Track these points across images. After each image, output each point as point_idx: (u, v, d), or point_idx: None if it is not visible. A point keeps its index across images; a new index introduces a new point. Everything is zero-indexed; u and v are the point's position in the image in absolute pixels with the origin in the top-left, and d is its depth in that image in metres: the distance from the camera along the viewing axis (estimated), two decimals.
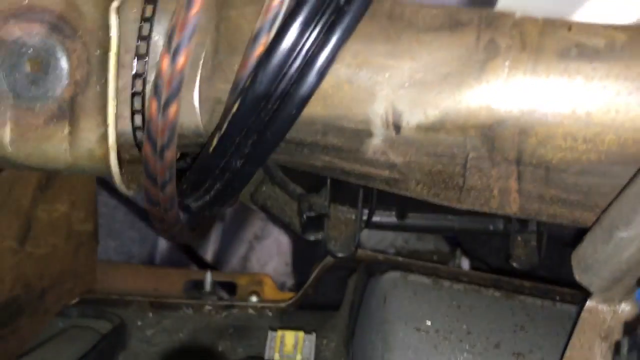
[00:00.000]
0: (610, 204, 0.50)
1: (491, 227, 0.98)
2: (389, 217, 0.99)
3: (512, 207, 0.57)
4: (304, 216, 0.94)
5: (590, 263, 0.53)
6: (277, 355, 0.94)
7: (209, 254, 2.45)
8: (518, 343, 0.79)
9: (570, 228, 0.98)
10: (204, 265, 2.21)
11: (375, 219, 0.99)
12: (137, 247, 2.21)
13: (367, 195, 0.95)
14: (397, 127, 0.52)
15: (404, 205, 0.97)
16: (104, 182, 1.75)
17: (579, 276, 0.55)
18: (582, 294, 1.00)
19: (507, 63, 0.48)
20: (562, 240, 0.99)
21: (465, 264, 1.34)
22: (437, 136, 0.51)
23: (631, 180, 0.47)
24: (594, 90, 0.46)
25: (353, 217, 0.97)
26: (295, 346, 0.95)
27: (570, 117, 0.47)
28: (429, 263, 1.08)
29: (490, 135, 0.50)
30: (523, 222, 0.96)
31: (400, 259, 1.11)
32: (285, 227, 1.02)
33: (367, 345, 0.86)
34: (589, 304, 0.67)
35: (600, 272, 0.53)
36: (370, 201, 0.95)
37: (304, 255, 2.28)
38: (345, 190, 0.95)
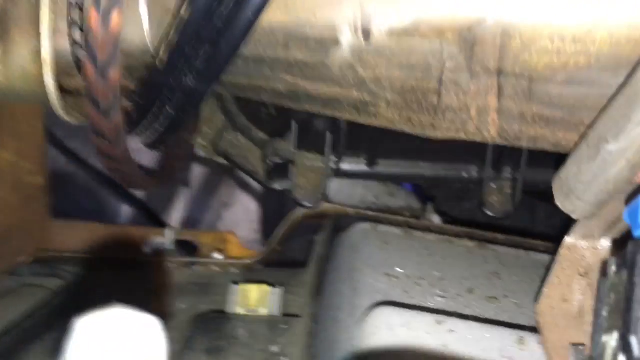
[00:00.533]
0: (597, 117, 0.46)
1: (464, 174, 0.94)
2: (359, 165, 0.94)
3: (491, 131, 0.53)
4: (269, 162, 0.88)
5: (574, 185, 0.49)
6: (240, 309, 0.89)
7: (175, 223, 2.38)
8: (492, 288, 0.76)
9: (546, 177, 0.96)
10: (163, 224, 2.14)
11: (344, 166, 0.94)
12: (96, 215, 2.13)
13: (336, 140, 0.90)
14: (367, 33, 0.46)
15: (374, 151, 0.92)
16: (55, 143, 1.66)
17: (560, 202, 0.51)
18: (556, 245, 0.98)
19: None
20: (537, 190, 0.96)
21: (436, 220, 1.30)
22: (411, 42, 0.46)
23: (622, 85, 0.43)
24: None
25: (320, 164, 0.92)
26: (260, 300, 0.90)
27: (559, 12, 0.42)
28: (401, 217, 1.04)
29: (470, 39, 0.45)
30: (497, 169, 0.92)
31: (370, 213, 1.06)
32: (250, 175, 0.96)
33: (335, 295, 0.82)
34: (568, 240, 0.64)
35: (584, 194, 0.48)
36: (338, 147, 0.90)
37: (272, 221, 2.23)
38: (312, 135, 0.90)
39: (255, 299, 0.90)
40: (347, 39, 0.47)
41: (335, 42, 0.48)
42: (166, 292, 1.03)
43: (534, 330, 0.64)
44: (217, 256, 1.12)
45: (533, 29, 0.43)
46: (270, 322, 0.85)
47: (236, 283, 0.93)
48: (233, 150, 0.97)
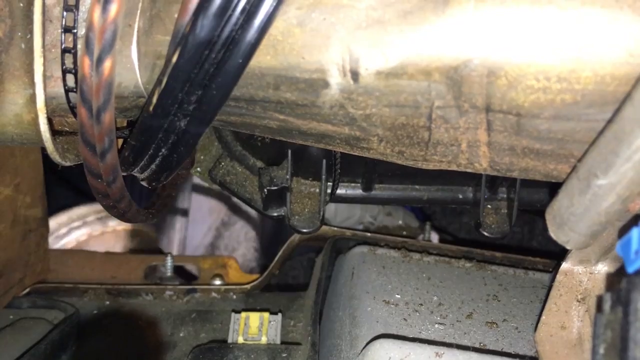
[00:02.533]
0: (586, 151, 0.46)
1: (460, 196, 0.94)
2: (355, 189, 0.95)
3: (482, 163, 0.53)
4: (265, 190, 0.88)
5: (567, 217, 0.49)
6: (240, 338, 0.89)
7: (174, 245, 2.39)
8: (491, 312, 0.76)
9: (542, 196, 0.96)
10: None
11: (340, 191, 0.94)
12: None
13: (331, 166, 0.90)
14: (355, 74, 0.47)
15: (369, 176, 0.93)
16: (51, 168, 1.67)
17: (554, 233, 0.51)
18: (554, 263, 0.98)
19: None
20: (533, 209, 0.96)
21: (434, 238, 1.31)
22: (399, 82, 0.46)
23: (609, 121, 0.43)
24: (569, 20, 0.42)
25: (316, 190, 0.92)
26: (260, 327, 0.91)
27: (543, 52, 0.43)
28: (398, 237, 1.04)
29: (457, 79, 0.45)
30: (493, 190, 0.92)
31: (368, 234, 1.06)
32: (247, 203, 0.96)
33: (335, 322, 0.82)
34: (564, 266, 0.64)
35: (577, 226, 0.49)
36: (334, 173, 0.91)
37: (272, 240, 2.24)
38: (307, 162, 0.90)
39: (255, 327, 0.91)
40: (336, 80, 0.48)
41: (325, 83, 0.48)
42: (166, 321, 1.03)
43: (534, 359, 0.64)
44: (217, 282, 1.13)
45: (518, 68, 0.44)
46: (270, 350, 0.85)
47: (237, 311, 0.93)
48: (229, 178, 0.97)
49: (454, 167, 0.55)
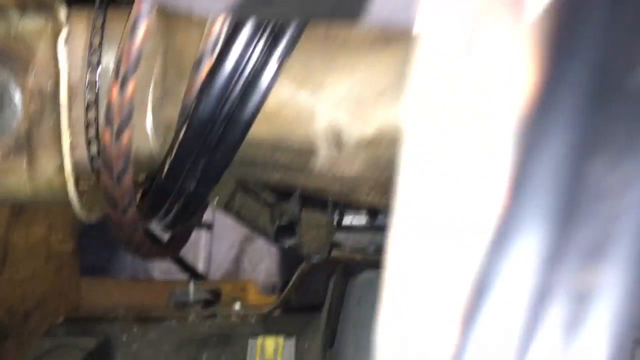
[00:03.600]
0: None
1: None
2: (359, 219, 1.01)
3: None
4: (277, 223, 0.95)
5: None
6: None
7: (200, 260, 2.47)
8: None
9: None
10: (195, 272, 2.23)
11: (347, 221, 1.00)
12: (129, 257, 2.23)
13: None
14: (339, 144, 0.53)
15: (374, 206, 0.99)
16: None
17: None
18: None
19: None
20: None
21: None
22: (377, 150, 0.53)
23: None
24: None
25: (324, 221, 0.99)
26: (275, 352, 0.97)
27: None
28: None
29: None
30: None
31: (377, 259, 1.12)
32: (261, 234, 1.03)
33: (344, 347, 0.88)
34: None
35: None
36: (340, 204, 0.97)
37: (292, 255, 2.30)
38: (315, 195, 0.97)
39: (271, 352, 0.97)
40: (323, 149, 0.54)
41: (314, 151, 0.55)
42: (190, 346, 1.10)
43: None
44: (237, 306, 1.20)
45: None
46: None
47: (254, 336, 1.00)
48: (244, 210, 1.04)
49: None
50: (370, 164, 0.54)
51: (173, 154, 0.56)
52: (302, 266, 1.20)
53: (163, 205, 0.63)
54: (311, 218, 1.00)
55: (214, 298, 1.30)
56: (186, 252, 2.19)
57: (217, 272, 2.40)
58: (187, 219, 0.66)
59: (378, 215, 1.00)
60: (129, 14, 0.62)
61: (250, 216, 1.04)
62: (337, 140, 0.53)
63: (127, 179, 0.59)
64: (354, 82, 0.52)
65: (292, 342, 0.99)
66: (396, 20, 0.43)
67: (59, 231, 1.06)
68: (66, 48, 0.59)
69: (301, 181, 0.60)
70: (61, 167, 0.60)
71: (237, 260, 2.50)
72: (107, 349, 1.07)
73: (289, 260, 2.36)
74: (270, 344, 0.97)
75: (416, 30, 0.43)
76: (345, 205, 0.98)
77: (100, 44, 0.60)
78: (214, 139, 0.54)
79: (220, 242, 2.51)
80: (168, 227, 0.69)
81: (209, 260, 2.46)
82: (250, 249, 2.54)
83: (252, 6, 0.43)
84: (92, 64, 0.60)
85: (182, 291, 1.29)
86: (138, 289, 1.29)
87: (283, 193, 1.01)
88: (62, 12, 0.58)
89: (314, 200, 0.98)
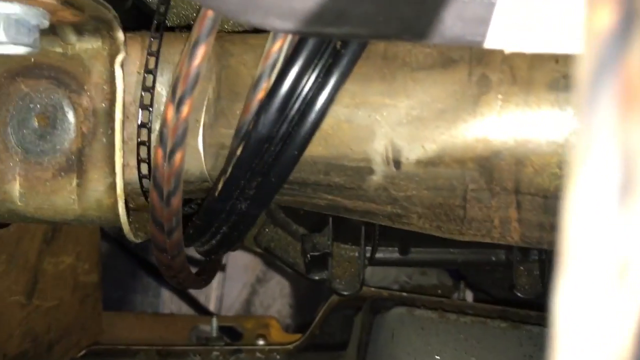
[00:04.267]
0: None
1: (493, 258, 0.99)
2: (392, 253, 1.00)
3: (514, 237, 0.58)
4: (308, 256, 0.94)
5: None
6: None
7: (211, 300, 2.44)
8: None
9: None
10: (206, 312, 2.20)
11: (379, 255, 1.00)
12: (139, 296, 2.21)
13: (369, 232, 0.96)
14: (397, 163, 0.53)
15: (406, 240, 0.98)
16: (103, 233, 1.77)
17: None
18: None
19: (499, 96, 0.50)
20: None
21: (469, 296, 1.34)
22: (436, 170, 0.53)
23: None
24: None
25: (356, 254, 0.98)
26: None
27: (564, 145, 0.49)
28: (434, 297, 1.09)
29: (488, 167, 0.51)
30: (525, 252, 0.97)
31: (404, 294, 1.11)
32: (290, 267, 1.02)
33: None
34: None
35: None
36: (372, 238, 0.96)
37: (307, 296, 2.27)
38: (348, 228, 0.96)
39: None
40: (380, 168, 0.54)
41: (370, 170, 0.55)
42: None
43: None
44: (261, 342, 1.18)
45: (543, 158, 0.50)
46: None
47: None
48: (274, 243, 1.04)
49: (487, 240, 0.61)
50: (428, 184, 0.54)
51: (228, 172, 0.56)
52: (327, 303, 1.18)
53: (211, 227, 0.62)
54: (343, 251, 0.99)
55: (235, 335, 1.28)
56: (198, 291, 2.17)
57: (228, 313, 2.37)
58: (233, 243, 0.65)
59: (410, 250, 0.99)
60: (185, 37, 0.63)
61: (280, 249, 1.03)
62: (395, 159, 0.53)
63: (176, 200, 0.59)
64: (414, 103, 0.52)
65: None
66: (466, 39, 0.43)
67: (86, 261, 1.05)
68: (122, 69, 0.59)
69: (353, 204, 0.60)
70: (111, 187, 0.60)
71: (248, 302, 2.47)
72: None
73: (304, 302, 2.33)
74: None
75: (487, 47, 0.43)
76: (379, 240, 0.97)
77: (156, 66, 0.60)
78: (270, 158, 0.54)
79: (232, 283, 2.49)
80: (210, 251, 0.69)
81: (220, 301, 2.43)
82: (262, 290, 2.52)
83: (324, 25, 0.44)
84: (146, 86, 0.61)
85: (203, 327, 1.28)
86: (158, 323, 1.28)
87: (314, 226, 1.00)
88: (120, 35, 0.59)
89: (347, 233, 0.97)
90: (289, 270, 2.41)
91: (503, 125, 0.50)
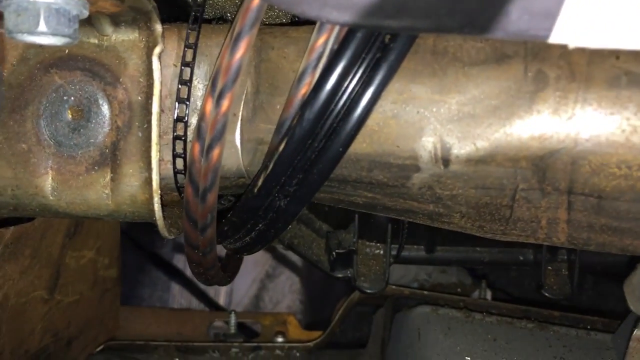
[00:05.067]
0: None
1: (521, 258, 0.97)
2: (418, 251, 0.99)
3: (560, 238, 0.57)
4: (333, 253, 0.93)
5: None
6: None
7: (221, 295, 2.43)
8: None
9: (601, 258, 0.98)
10: (216, 307, 2.20)
11: (404, 253, 0.98)
12: (148, 290, 2.20)
13: (396, 229, 0.94)
14: (446, 161, 0.52)
15: (432, 238, 0.96)
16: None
17: (633, 305, 0.54)
18: (614, 322, 0.99)
19: (557, 93, 0.48)
20: (593, 271, 0.99)
21: (487, 294, 1.33)
22: (487, 168, 0.51)
23: None
24: None
25: (382, 252, 0.97)
26: None
27: (624, 145, 0.47)
28: (456, 296, 1.07)
29: (542, 166, 0.50)
30: (553, 251, 0.95)
31: (426, 292, 1.10)
32: (314, 265, 1.01)
33: None
34: (637, 333, 0.66)
35: None
36: (400, 236, 0.95)
37: (317, 292, 2.26)
38: (373, 225, 0.95)
39: None
40: (427, 166, 0.52)
41: (416, 168, 0.53)
42: None
43: None
44: (280, 339, 1.16)
45: (601, 158, 0.48)
46: None
47: None
48: (297, 240, 1.02)
49: (531, 241, 0.59)
50: (476, 182, 0.52)
51: (269, 168, 0.54)
52: (347, 300, 1.17)
53: (247, 224, 0.61)
54: (368, 249, 0.97)
55: (252, 331, 1.27)
56: (207, 289, 2.16)
57: (237, 308, 2.36)
58: (268, 241, 0.63)
59: (437, 248, 0.98)
60: (222, 29, 0.61)
61: (304, 246, 1.02)
62: (444, 157, 0.51)
63: (212, 196, 0.57)
64: (466, 99, 0.50)
65: None
66: (530, 33, 0.42)
67: (106, 256, 1.04)
68: (159, 62, 0.58)
69: (393, 202, 0.58)
70: (147, 182, 0.59)
71: (257, 298, 2.47)
72: None
73: (314, 298, 2.32)
74: None
75: (551, 42, 0.42)
76: (406, 237, 0.96)
77: (193, 59, 0.59)
78: (313, 154, 0.53)
79: (242, 278, 2.48)
80: (243, 249, 0.67)
81: (230, 296, 2.42)
82: (271, 286, 2.51)
83: (383, 17, 0.42)
84: (183, 79, 0.59)
85: (220, 323, 1.26)
86: (175, 319, 1.26)
87: (339, 223, 0.99)
88: (159, 27, 0.57)
89: (373, 231, 0.96)
90: (299, 266, 2.40)
91: (560, 123, 0.48)
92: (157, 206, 0.58)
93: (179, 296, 2.32)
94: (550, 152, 0.49)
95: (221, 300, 2.44)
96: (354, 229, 0.93)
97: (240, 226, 0.61)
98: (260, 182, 0.56)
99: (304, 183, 0.55)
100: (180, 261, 2.13)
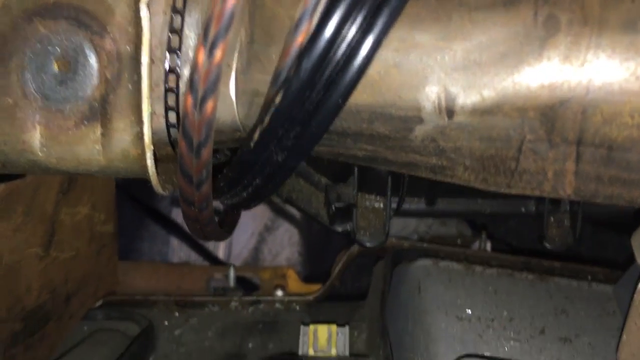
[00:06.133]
0: None
1: (523, 209, 0.96)
2: (418, 204, 0.97)
3: (567, 190, 0.55)
4: (332, 207, 0.91)
5: None
6: (311, 350, 0.92)
7: (220, 249, 2.44)
8: (562, 327, 0.77)
9: (604, 209, 0.97)
10: (215, 261, 2.20)
11: (404, 206, 0.97)
12: (146, 245, 2.20)
13: (396, 182, 0.93)
14: (450, 112, 0.49)
15: (433, 191, 0.95)
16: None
17: None
18: (614, 273, 0.99)
19: (569, 39, 0.45)
20: (596, 221, 0.98)
21: (487, 245, 1.32)
22: (493, 119, 0.49)
23: None
24: None
25: (381, 205, 0.95)
26: (329, 340, 0.94)
27: (638, 93, 0.45)
28: (456, 248, 1.06)
29: (551, 116, 0.47)
30: (555, 203, 0.94)
31: (426, 245, 1.09)
32: (313, 218, 0.99)
33: (405, 336, 0.84)
34: None
35: None
36: (400, 189, 0.93)
37: (316, 244, 2.27)
38: (373, 178, 0.93)
39: (324, 340, 0.94)
40: (431, 117, 0.50)
41: (419, 119, 0.51)
42: (234, 332, 1.06)
43: None
44: (279, 293, 1.16)
45: (614, 106, 0.46)
46: None
47: (305, 324, 0.97)
48: (295, 194, 1.01)
49: (537, 194, 0.57)
50: (481, 134, 0.50)
51: (266, 121, 0.52)
52: (347, 253, 1.16)
53: (243, 179, 0.59)
54: (368, 202, 0.96)
55: (251, 285, 1.27)
56: (206, 241, 2.16)
57: (236, 261, 2.37)
58: (265, 196, 0.62)
59: (437, 200, 0.96)
60: None
61: (302, 200, 1.00)
62: (448, 107, 0.49)
63: (207, 151, 0.55)
64: (472, 46, 0.48)
65: (345, 330, 0.95)
66: None
67: (102, 212, 1.03)
68: (148, 9, 0.55)
69: (394, 155, 0.56)
70: (139, 137, 0.57)
71: (257, 250, 2.47)
72: (151, 334, 1.03)
73: (312, 250, 2.33)
74: (323, 331, 0.94)
75: None
76: (406, 190, 0.94)
77: (184, 6, 0.56)
78: (311, 106, 0.50)
79: (241, 231, 2.48)
80: (240, 204, 0.65)
81: (229, 249, 2.43)
82: (270, 238, 2.51)
83: None
84: (174, 27, 0.56)
85: (221, 277, 1.26)
86: (174, 273, 1.26)
87: (337, 176, 0.97)
88: None
89: (372, 183, 0.94)
90: (298, 218, 2.40)
91: (572, 70, 0.46)
92: (149, 162, 0.56)
93: (178, 249, 2.32)
94: (560, 101, 0.47)
95: (220, 253, 2.45)
96: (354, 182, 0.92)
97: (237, 181, 0.59)
98: (256, 136, 0.54)
99: (302, 136, 0.53)
100: (178, 215, 2.12)
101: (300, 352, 0.93)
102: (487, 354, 0.67)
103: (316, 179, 0.99)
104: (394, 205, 0.95)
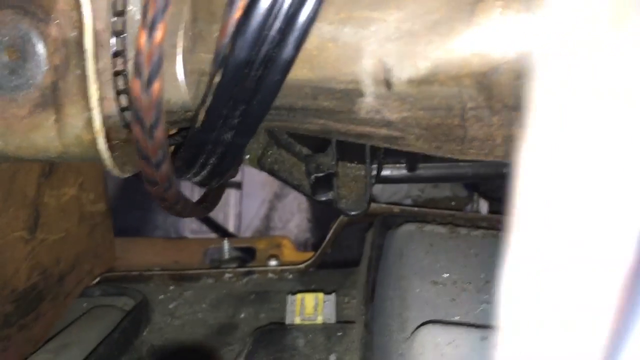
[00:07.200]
0: None
1: (504, 170, 0.95)
2: (400, 170, 0.97)
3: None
4: (312, 177, 0.92)
5: None
6: (298, 319, 0.94)
7: (230, 220, 2.46)
8: None
9: None
10: (224, 232, 2.23)
11: (385, 172, 0.97)
12: (161, 217, 2.24)
13: (375, 150, 0.92)
14: (388, 83, 0.49)
15: (413, 156, 0.94)
16: None
17: None
18: None
19: (498, 3, 0.44)
20: None
21: (483, 207, 1.32)
22: (430, 88, 0.48)
23: None
24: None
25: (362, 173, 0.95)
26: (315, 307, 0.95)
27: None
28: (446, 211, 1.06)
29: (486, 83, 0.47)
30: None
31: (416, 209, 1.09)
32: (295, 189, 1.00)
33: (385, 301, 0.85)
34: None
35: None
36: (378, 156, 0.93)
37: (324, 210, 2.28)
38: (353, 147, 0.93)
39: (311, 308, 0.95)
40: (371, 89, 0.50)
41: (360, 92, 0.50)
42: (227, 303, 1.08)
43: None
44: (273, 263, 1.18)
45: None
46: (326, 330, 0.90)
47: (293, 293, 0.98)
48: (277, 165, 1.01)
49: (491, 158, 0.57)
50: (423, 104, 0.50)
51: (208, 102, 0.52)
52: (338, 221, 1.17)
53: (198, 159, 0.59)
54: (348, 171, 0.96)
55: (249, 255, 1.28)
56: (216, 211, 2.19)
57: (247, 230, 2.40)
58: (224, 173, 0.62)
59: (418, 166, 0.96)
60: None
61: (285, 171, 1.00)
62: (386, 79, 0.49)
63: (160, 131, 0.56)
64: (404, 16, 0.47)
65: (332, 298, 0.96)
66: None
67: (91, 191, 1.04)
68: None
69: (345, 127, 0.56)
70: (89, 123, 0.57)
71: (268, 218, 2.50)
72: (145, 308, 1.06)
73: (321, 216, 2.34)
74: (310, 299, 0.95)
75: None
76: (384, 157, 0.94)
77: None
78: (252, 83, 0.50)
79: (250, 201, 2.50)
80: (203, 182, 0.66)
81: (239, 219, 2.46)
82: (280, 206, 2.53)
83: None
84: (117, 10, 0.56)
85: (216, 249, 1.28)
86: (171, 247, 1.28)
87: (318, 146, 0.97)
88: None
89: (351, 152, 0.94)
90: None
91: (502, 36, 0.45)
92: (102, 146, 0.57)
93: (190, 221, 2.35)
94: (493, 68, 0.46)
95: (230, 223, 2.48)
96: (332, 151, 0.92)
97: (193, 161, 0.60)
98: (202, 117, 0.54)
99: (247, 114, 0.53)
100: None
101: (287, 322, 0.95)
102: (457, 318, 0.67)
103: (297, 149, 0.99)
104: (374, 173, 0.95)
